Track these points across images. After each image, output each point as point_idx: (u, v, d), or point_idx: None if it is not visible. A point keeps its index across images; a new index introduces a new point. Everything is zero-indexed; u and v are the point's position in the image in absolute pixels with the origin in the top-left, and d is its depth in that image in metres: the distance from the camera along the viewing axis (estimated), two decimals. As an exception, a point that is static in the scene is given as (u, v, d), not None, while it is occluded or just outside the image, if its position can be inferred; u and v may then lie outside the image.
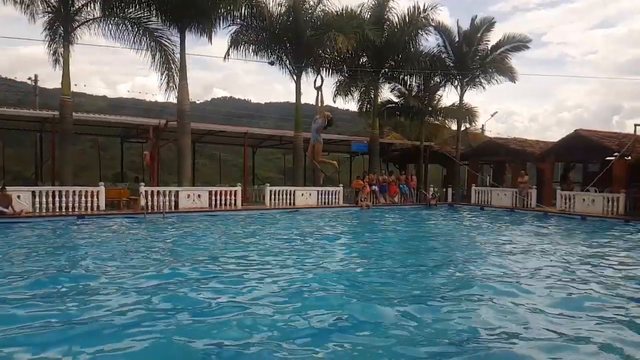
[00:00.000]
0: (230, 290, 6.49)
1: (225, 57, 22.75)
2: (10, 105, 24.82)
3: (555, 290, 6.87)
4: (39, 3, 17.85)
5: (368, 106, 27.19)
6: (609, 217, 18.22)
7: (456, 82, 27.41)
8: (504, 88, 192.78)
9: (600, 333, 5.05)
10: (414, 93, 27.62)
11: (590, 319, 5.56)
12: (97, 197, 16.79)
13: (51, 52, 19.16)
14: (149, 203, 17.23)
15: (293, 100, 23.84)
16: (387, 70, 26.57)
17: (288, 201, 21.18)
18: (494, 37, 26.90)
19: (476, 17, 26.22)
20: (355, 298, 6.27)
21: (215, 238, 11.97)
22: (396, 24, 24.81)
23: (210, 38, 20.53)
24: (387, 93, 28.42)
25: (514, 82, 27.37)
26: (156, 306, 5.72)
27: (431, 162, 29.47)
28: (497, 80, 27.40)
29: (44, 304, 5.71)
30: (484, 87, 27.74)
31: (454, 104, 27.97)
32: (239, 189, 19.90)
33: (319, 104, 8.22)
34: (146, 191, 17.36)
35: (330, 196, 22.71)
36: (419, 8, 24.38)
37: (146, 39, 19.34)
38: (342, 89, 26.10)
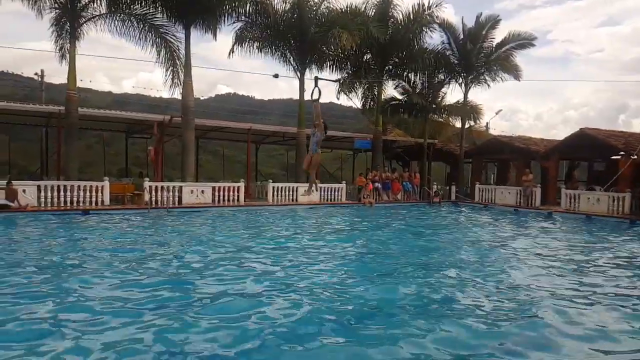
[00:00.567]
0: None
1: (229, 54, 22.82)
2: (17, 100, 24.94)
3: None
4: (46, -1, 17.98)
5: (372, 103, 27.20)
6: (614, 217, 18.14)
7: (460, 79, 27.38)
8: (508, 86, 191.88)
9: None
10: (418, 90, 27.58)
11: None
12: (102, 192, 16.93)
13: (58, 47, 19.28)
14: (153, 198, 17.34)
15: (296, 97, 23.90)
16: (391, 67, 26.56)
17: (291, 198, 21.26)
18: (499, 35, 26.85)
19: (481, 14, 26.21)
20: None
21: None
22: (400, 21, 24.78)
23: (215, 35, 20.64)
24: (390, 90, 28.43)
25: (519, 81, 27.35)
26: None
27: (435, 160, 29.44)
28: (501, 78, 27.37)
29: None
30: (488, 85, 27.73)
31: (458, 101, 27.94)
32: (242, 185, 20.00)
33: (316, 117, 8.14)
34: (150, 186, 17.48)
35: (333, 193, 22.76)
36: (423, 5, 24.37)
37: (151, 36, 19.42)
38: (346, 86, 26.10)
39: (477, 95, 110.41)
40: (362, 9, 24.10)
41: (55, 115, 20.02)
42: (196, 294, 6.13)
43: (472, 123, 29.26)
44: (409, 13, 24.54)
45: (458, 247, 10.80)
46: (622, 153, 19.25)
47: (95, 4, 18.62)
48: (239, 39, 22.38)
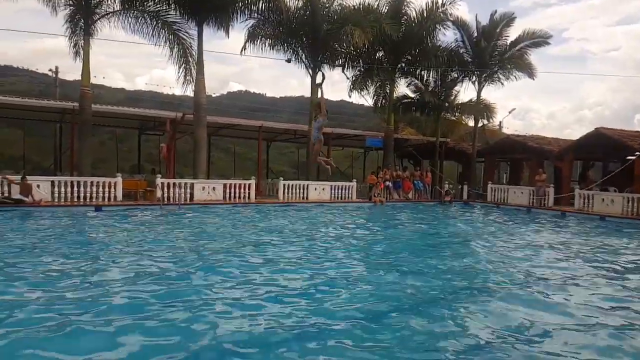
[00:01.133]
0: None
1: (241, 52, 22.85)
2: (32, 96, 25.21)
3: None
4: (61, -5, 18.14)
5: (383, 101, 27.08)
6: (628, 218, 17.87)
7: (474, 77, 27.14)
8: (522, 84, 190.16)
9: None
10: (430, 88, 27.41)
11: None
12: (115, 188, 17.05)
13: (72, 44, 19.44)
14: (165, 195, 17.44)
15: (308, 94, 23.85)
16: (403, 65, 26.41)
17: (301, 195, 21.26)
18: (513, 33, 26.61)
19: (496, 12, 25.99)
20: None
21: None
22: (414, 18, 24.61)
23: (227, 32, 20.64)
24: (403, 88, 28.32)
25: (533, 79, 27.11)
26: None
27: (447, 159, 29.25)
28: (515, 77, 27.12)
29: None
30: (502, 83, 27.49)
31: (471, 99, 27.73)
32: (252, 182, 20.04)
33: (321, 102, 8.14)
34: (162, 183, 17.58)
35: (343, 191, 22.71)
36: (437, 2, 24.14)
37: (164, 33, 19.50)
38: (358, 84, 26.01)
39: (491, 93, 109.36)
40: (375, 6, 23.96)
41: (69, 112, 20.21)
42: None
43: (485, 122, 29.05)
44: (423, 10, 24.37)
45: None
46: (637, 153, 18.98)
47: (109, 0, 18.76)
48: (252, 36, 22.40)
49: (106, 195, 16.72)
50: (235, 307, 5.47)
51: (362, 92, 26.69)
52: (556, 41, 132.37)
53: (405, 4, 24.46)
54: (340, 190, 22.63)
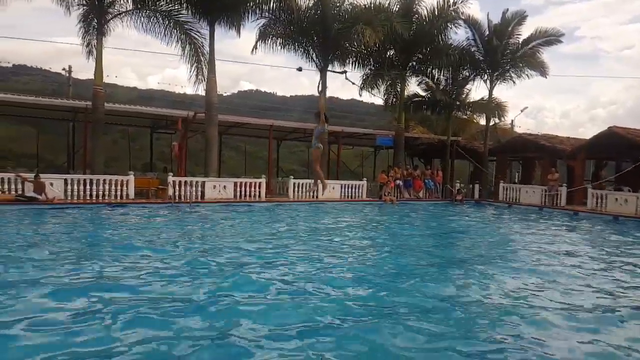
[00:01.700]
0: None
1: (252, 51, 22.87)
2: (45, 95, 25.51)
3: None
4: (75, -5, 18.33)
5: (394, 100, 26.98)
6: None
7: (486, 76, 26.97)
8: (534, 83, 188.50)
9: None
10: (441, 87, 27.26)
11: None
12: (127, 186, 17.21)
13: (85, 43, 19.66)
14: (177, 193, 17.56)
15: (317, 93, 23.85)
16: (414, 63, 26.31)
17: (311, 194, 21.27)
18: (525, 31, 26.35)
19: (507, 10, 25.76)
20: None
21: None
22: (425, 17, 24.50)
23: (238, 31, 20.76)
24: (414, 86, 28.16)
25: (545, 77, 26.84)
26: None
27: (458, 158, 29.12)
28: (527, 75, 26.88)
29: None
30: (514, 82, 27.24)
31: (482, 98, 27.52)
32: (263, 180, 20.10)
33: (320, 110, 7.99)
34: (174, 181, 17.71)
35: (353, 190, 22.70)
36: (448, 1, 23.98)
37: (176, 32, 19.62)
38: (369, 83, 25.95)
39: (502, 92, 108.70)
40: (386, 5, 23.87)
41: (82, 110, 20.42)
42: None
43: (496, 120, 28.84)
44: (434, 9, 24.24)
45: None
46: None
47: (121, 0, 18.92)
48: (263, 36, 22.42)
49: (119, 193, 16.87)
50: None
51: (373, 91, 26.63)
52: (568, 39, 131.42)
53: (416, 2, 24.38)
54: (350, 189, 22.62)
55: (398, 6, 24.28)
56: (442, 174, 26.38)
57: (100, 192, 16.56)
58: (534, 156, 26.15)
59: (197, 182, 18.48)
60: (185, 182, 18.07)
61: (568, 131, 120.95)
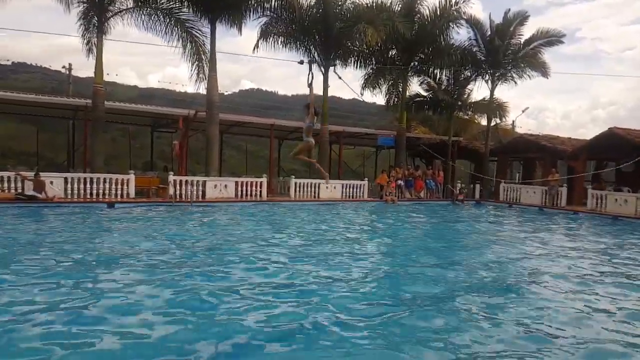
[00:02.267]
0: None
1: (254, 50, 22.82)
2: (45, 93, 25.45)
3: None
4: (75, -7, 18.25)
5: (396, 100, 26.95)
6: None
7: (487, 76, 26.90)
8: (536, 83, 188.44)
9: None
10: (443, 87, 27.20)
11: None
12: (127, 185, 17.14)
13: (85, 41, 19.58)
14: (177, 192, 17.50)
15: (320, 92, 23.77)
16: (416, 63, 26.25)
17: (312, 194, 21.22)
18: (527, 32, 26.45)
19: (509, 10, 25.68)
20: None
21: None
22: (427, 17, 24.45)
23: (240, 29, 20.71)
24: (415, 86, 28.11)
25: (547, 78, 26.82)
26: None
27: (459, 158, 29.07)
28: (529, 76, 26.84)
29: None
30: (515, 82, 27.20)
31: (484, 98, 27.48)
32: (264, 180, 20.03)
33: (310, 103, 7.93)
34: (175, 180, 17.64)
35: (354, 189, 22.64)
36: (450, 0, 23.95)
37: (177, 30, 19.54)
38: (370, 82, 25.91)
39: (504, 92, 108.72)
40: (388, 4, 23.82)
41: (82, 108, 20.34)
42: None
43: (498, 121, 28.80)
44: (436, 8, 24.20)
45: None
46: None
47: (122, -2, 18.84)
48: (264, 34, 22.35)
49: (119, 192, 16.80)
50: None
51: (375, 91, 26.61)
52: (569, 40, 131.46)
53: (418, 2, 24.34)
54: (351, 189, 22.56)
55: (400, 6, 24.25)
56: (443, 174, 26.34)
57: (101, 191, 16.50)
58: (535, 156, 26.11)
59: (198, 181, 18.41)
60: (186, 181, 18.00)
61: (569, 132, 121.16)
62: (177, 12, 19.62)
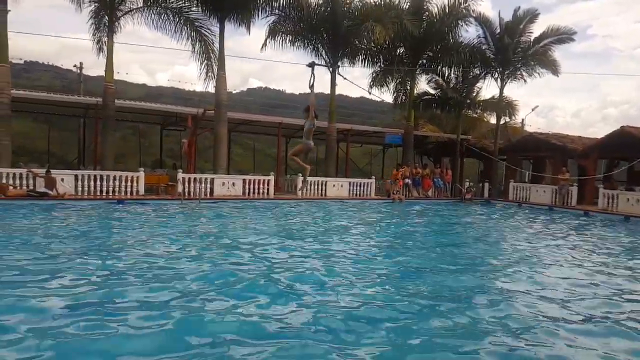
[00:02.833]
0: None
1: (262, 48, 22.89)
2: (56, 91, 25.72)
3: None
4: (86, -7, 18.46)
5: (404, 98, 26.91)
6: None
7: (496, 74, 26.72)
8: (545, 81, 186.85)
9: None
10: (452, 85, 27.09)
11: None
12: (137, 182, 17.30)
13: (95, 40, 19.81)
14: (186, 189, 17.64)
15: (327, 91, 23.88)
16: (424, 61, 26.19)
17: (320, 191, 21.27)
18: (537, 29, 26.05)
19: (519, 8, 25.45)
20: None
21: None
22: (435, 15, 24.37)
23: (248, 28, 20.86)
24: (423, 84, 28.02)
25: (557, 76, 26.51)
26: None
27: (468, 156, 28.96)
28: (539, 74, 26.61)
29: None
30: (525, 80, 26.98)
31: (493, 96, 27.30)
32: (272, 178, 20.12)
33: (310, 105, 7.92)
34: (183, 178, 17.78)
35: (362, 188, 22.65)
36: (459, -2, 23.88)
37: (187, 29, 19.75)
38: (378, 80, 25.89)
39: (513, 90, 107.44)
40: (396, 2, 23.76)
41: (92, 107, 20.57)
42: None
43: (507, 119, 28.61)
44: (445, 6, 24.10)
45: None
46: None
47: (132, -3, 19.01)
48: (272, 33, 22.43)
49: (129, 189, 16.98)
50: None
51: (382, 89, 26.59)
52: (580, 38, 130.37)
53: (426, 0, 24.26)
54: (358, 187, 22.57)
55: (408, 4, 24.18)
56: (451, 172, 26.25)
57: (111, 188, 16.68)
58: (545, 155, 25.93)
59: (206, 178, 18.55)
60: (195, 178, 18.14)
61: (579, 130, 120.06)
62: (186, 12, 19.79)
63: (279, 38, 22.71)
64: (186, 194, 17.49)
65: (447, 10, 24.08)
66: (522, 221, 16.57)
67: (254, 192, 19.43)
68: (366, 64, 25.45)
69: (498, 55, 25.99)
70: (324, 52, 23.52)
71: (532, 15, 25.52)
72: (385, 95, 53.72)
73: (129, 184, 17.03)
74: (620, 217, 18.08)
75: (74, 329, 4.40)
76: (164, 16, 19.56)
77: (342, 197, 21.55)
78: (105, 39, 19.05)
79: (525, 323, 5.15)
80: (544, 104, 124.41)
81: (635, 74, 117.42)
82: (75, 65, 33.78)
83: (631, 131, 20.81)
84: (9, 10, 16.45)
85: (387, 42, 23.22)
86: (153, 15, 19.52)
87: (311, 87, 7.96)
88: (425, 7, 24.34)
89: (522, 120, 37.96)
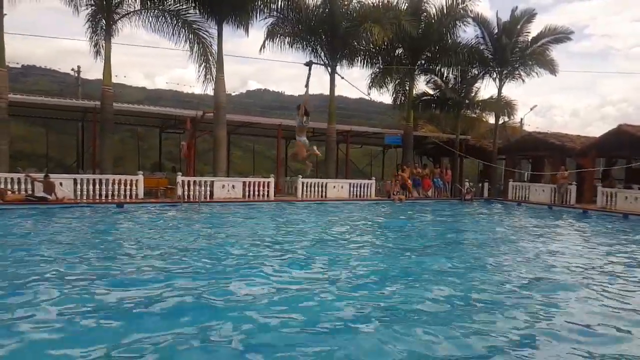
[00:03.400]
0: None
1: (261, 50, 22.89)
2: (54, 95, 25.70)
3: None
4: (83, -4, 18.41)
5: (403, 98, 26.90)
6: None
7: (495, 74, 26.79)
8: (544, 81, 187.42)
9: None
10: (450, 85, 27.12)
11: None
12: (136, 186, 17.24)
13: (93, 44, 19.74)
14: (185, 192, 17.59)
15: (326, 92, 23.85)
16: (423, 62, 26.21)
17: (320, 193, 21.24)
18: (534, 29, 26.22)
19: (516, 8, 25.56)
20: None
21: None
22: (433, 15, 24.40)
23: (247, 30, 20.79)
24: (422, 85, 28.03)
25: (555, 75, 26.59)
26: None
27: (467, 156, 28.95)
28: (537, 73, 26.67)
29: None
30: (523, 80, 27.04)
31: (492, 96, 27.32)
32: (272, 180, 20.07)
33: (304, 102, 7.95)
34: (183, 181, 17.74)
35: (362, 189, 22.62)
36: (457, -1, 23.90)
37: (185, 32, 19.67)
38: (377, 81, 25.88)
39: (512, 90, 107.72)
40: (395, 3, 23.76)
41: (90, 110, 20.52)
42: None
43: (506, 119, 28.64)
44: (442, 7, 24.14)
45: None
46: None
47: (129, 0, 18.96)
48: (271, 35, 22.42)
49: (128, 192, 16.91)
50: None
51: (381, 90, 26.58)
52: (577, 37, 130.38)
53: (424, 0, 24.28)
54: (358, 188, 22.53)
55: (406, 4, 24.19)
56: (450, 172, 26.26)
57: (110, 192, 16.62)
58: (544, 154, 25.96)
59: (205, 181, 18.50)
60: (194, 181, 18.10)
61: (578, 129, 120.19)
62: (184, 14, 19.72)
63: (277, 40, 22.70)
64: (186, 197, 17.44)
65: (445, 11, 24.11)
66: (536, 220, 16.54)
67: (254, 195, 19.39)
68: (365, 65, 25.47)
69: (496, 55, 26.04)
70: (322, 54, 23.51)
71: (529, 15, 25.61)
72: (385, 96, 53.72)
73: (128, 187, 16.96)
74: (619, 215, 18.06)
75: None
76: (161, 19, 19.51)
77: (342, 198, 21.51)
78: (103, 42, 19.00)
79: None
80: (542, 104, 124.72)
81: (633, 72, 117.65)
82: (73, 69, 33.76)
83: (628, 129, 20.84)
84: (5, 14, 16.42)
85: (385, 43, 23.22)
86: (150, 18, 19.47)
87: (306, 85, 7.98)
88: (423, 8, 24.35)
89: (521, 119, 38.03)
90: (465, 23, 25.22)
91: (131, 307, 5.21)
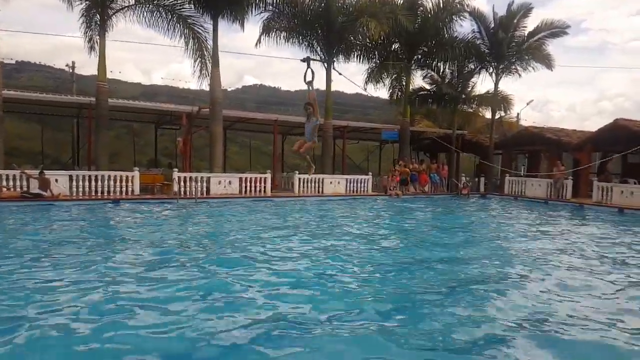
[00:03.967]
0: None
1: (256, 45, 22.79)
2: (49, 91, 25.51)
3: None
4: (77, -10, 18.25)
5: (399, 93, 26.87)
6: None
7: (491, 69, 26.79)
8: (540, 76, 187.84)
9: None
10: (447, 80, 27.10)
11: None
12: (132, 182, 17.18)
13: (87, 39, 19.61)
14: (182, 189, 17.54)
15: (323, 87, 23.74)
16: (419, 56, 26.16)
17: (317, 189, 21.21)
18: (531, 24, 26.34)
19: (513, 2, 25.51)
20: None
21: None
22: (430, 10, 24.33)
23: (242, 25, 20.64)
24: (419, 80, 28.02)
25: (551, 70, 26.67)
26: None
27: (464, 151, 28.99)
28: (533, 68, 26.72)
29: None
30: (519, 75, 27.11)
31: (488, 91, 27.36)
32: (268, 176, 20.04)
33: (312, 101, 7.78)
34: (179, 177, 17.68)
35: (359, 184, 22.61)
36: (453, -7, 23.84)
37: (180, 27, 19.52)
38: (373, 76, 25.83)
39: (508, 85, 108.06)
40: (391, -2, 23.71)
41: (86, 106, 20.38)
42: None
43: (502, 114, 28.70)
44: (439, 1, 24.05)
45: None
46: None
47: (124, -5, 18.82)
48: (266, 29, 22.31)
49: (124, 189, 16.85)
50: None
51: (378, 85, 26.53)
52: (574, 32, 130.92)
53: (421, -6, 24.22)
54: (355, 184, 22.52)
55: (403, -1, 24.11)
56: (447, 167, 26.27)
57: (106, 188, 16.56)
58: (540, 149, 26.00)
59: (202, 177, 18.45)
60: (191, 177, 18.04)
61: (575, 124, 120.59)
62: (179, 9, 19.58)
63: (273, 35, 22.59)
64: (182, 193, 17.38)
65: (441, 5, 24.05)
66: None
67: (250, 190, 19.35)
68: (361, 60, 25.39)
69: (492, 50, 26.04)
70: (319, 49, 23.43)
71: (525, 10, 25.60)
72: (382, 91, 53.76)
73: (123, 183, 16.90)
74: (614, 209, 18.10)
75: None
76: (156, 14, 19.34)
77: (339, 193, 21.50)
78: (97, 37, 18.86)
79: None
80: (539, 98, 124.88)
81: (629, 67, 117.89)
82: (67, 65, 33.50)
83: (625, 124, 20.84)
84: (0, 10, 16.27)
85: (382, 38, 23.15)
86: (145, 13, 19.28)
87: (310, 82, 7.84)
88: (419, 2, 24.27)
89: (517, 114, 37.99)
90: (461, 17, 25.18)
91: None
